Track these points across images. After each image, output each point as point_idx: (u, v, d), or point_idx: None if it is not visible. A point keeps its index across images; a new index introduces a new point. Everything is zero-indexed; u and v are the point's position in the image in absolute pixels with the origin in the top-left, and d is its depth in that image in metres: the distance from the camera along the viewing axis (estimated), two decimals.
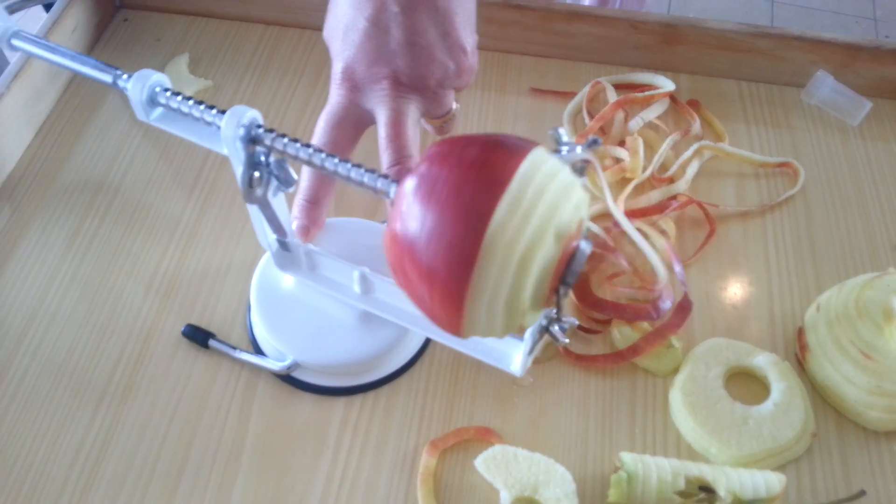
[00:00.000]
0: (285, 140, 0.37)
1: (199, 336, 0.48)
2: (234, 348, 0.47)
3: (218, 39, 0.66)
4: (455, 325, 0.32)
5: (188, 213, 0.55)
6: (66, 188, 0.56)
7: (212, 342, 0.48)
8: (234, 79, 0.63)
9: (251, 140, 0.37)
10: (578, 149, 0.33)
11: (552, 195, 0.30)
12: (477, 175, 0.30)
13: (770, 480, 0.42)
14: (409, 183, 0.32)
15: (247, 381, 0.47)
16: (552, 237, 0.31)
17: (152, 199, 0.55)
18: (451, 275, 0.30)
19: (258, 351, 0.48)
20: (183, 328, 0.48)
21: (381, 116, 0.43)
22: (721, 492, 0.41)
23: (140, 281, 0.51)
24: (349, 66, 0.43)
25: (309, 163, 0.38)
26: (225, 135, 0.37)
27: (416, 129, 0.44)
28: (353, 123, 0.45)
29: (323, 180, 0.45)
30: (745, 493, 0.41)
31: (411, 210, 0.31)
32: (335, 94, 0.44)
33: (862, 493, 0.44)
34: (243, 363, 0.47)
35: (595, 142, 0.34)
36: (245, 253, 0.53)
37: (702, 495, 0.41)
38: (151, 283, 0.51)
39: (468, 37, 0.44)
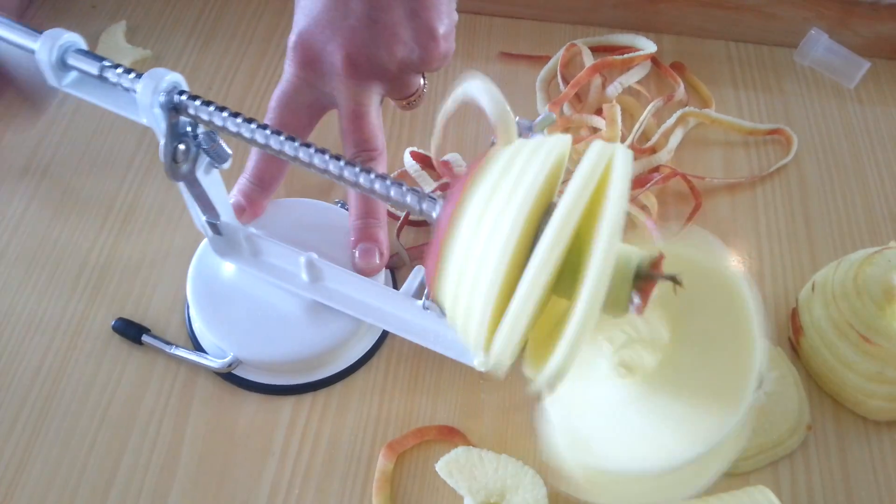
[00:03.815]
0: (211, 108, 0.34)
1: (131, 331, 0.44)
2: (170, 344, 0.44)
3: (158, 5, 0.62)
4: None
5: (123, 192, 0.51)
6: None
7: (145, 338, 0.44)
8: (176, 48, 0.59)
9: (173, 108, 0.34)
10: (534, 124, 0.30)
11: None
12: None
13: None
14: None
15: (184, 380, 0.43)
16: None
17: (84, 178, 0.52)
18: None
19: (198, 347, 0.44)
20: (114, 322, 0.45)
21: (341, 107, 0.41)
22: None
23: (68, 270, 0.47)
24: (302, 37, 0.40)
25: (237, 135, 0.34)
26: (141, 102, 0.34)
27: (378, 117, 0.42)
28: (307, 106, 0.42)
29: (272, 161, 0.42)
30: None
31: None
32: (287, 71, 0.42)
33: None
34: (181, 361, 0.44)
35: (548, 117, 0.32)
36: (185, 238, 0.49)
37: None
38: (81, 271, 0.47)
39: (443, 18, 0.40)
